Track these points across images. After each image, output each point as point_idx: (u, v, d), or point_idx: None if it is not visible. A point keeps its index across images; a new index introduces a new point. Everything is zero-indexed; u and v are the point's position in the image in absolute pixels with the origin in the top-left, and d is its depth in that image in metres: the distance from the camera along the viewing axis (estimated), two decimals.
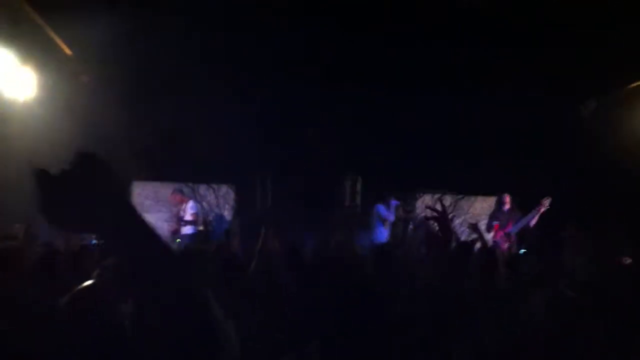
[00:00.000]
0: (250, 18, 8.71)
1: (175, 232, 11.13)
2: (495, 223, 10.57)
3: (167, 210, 11.93)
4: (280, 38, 9.13)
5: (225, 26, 8.92)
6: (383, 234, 10.73)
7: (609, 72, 9.69)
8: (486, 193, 12.58)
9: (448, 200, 13.05)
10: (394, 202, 10.83)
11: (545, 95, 10.44)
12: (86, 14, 8.33)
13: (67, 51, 10.26)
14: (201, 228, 11.15)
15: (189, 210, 11.26)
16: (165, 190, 12.15)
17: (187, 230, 11.18)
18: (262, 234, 4.80)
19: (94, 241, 10.07)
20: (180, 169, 11.61)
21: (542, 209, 10.01)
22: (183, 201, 11.43)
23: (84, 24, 8.60)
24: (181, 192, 11.54)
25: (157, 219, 11.67)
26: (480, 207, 12.85)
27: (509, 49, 8.94)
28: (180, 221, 11.25)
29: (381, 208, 10.78)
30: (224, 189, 12.65)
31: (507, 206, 10.51)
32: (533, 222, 10.06)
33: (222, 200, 12.63)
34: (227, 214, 12.63)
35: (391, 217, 10.74)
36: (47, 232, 6.73)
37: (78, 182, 1.38)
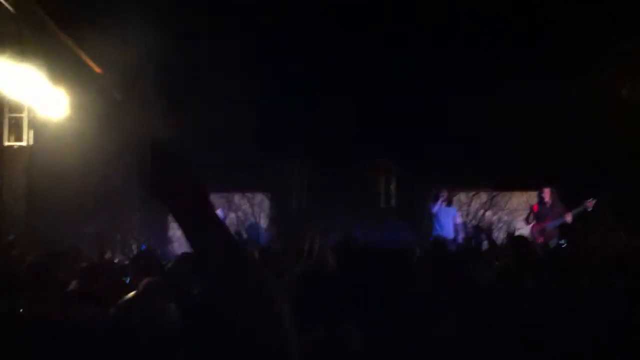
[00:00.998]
0: (286, 30, 8.80)
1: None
2: (534, 217, 10.49)
3: None
4: (310, 46, 9.22)
5: (257, 36, 9.01)
6: (434, 228, 10.71)
7: None
8: (524, 188, 12.41)
9: (484, 197, 12.94)
10: (441, 194, 10.78)
11: (580, 87, 10.29)
12: (114, 32, 8.47)
13: (98, 69, 10.43)
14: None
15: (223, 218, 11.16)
16: None
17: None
18: (310, 237, 4.78)
19: (144, 246, 10.34)
20: (214, 178, 11.64)
21: (583, 208, 9.88)
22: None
23: (112, 42, 8.74)
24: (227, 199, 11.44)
25: None
26: (517, 202, 12.67)
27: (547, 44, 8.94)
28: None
29: (429, 204, 10.81)
30: (259, 197, 12.67)
31: (547, 201, 10.37)
32: (569, 218, 9.91)
33: (257, 209, 12.66)
34: (263, 222, 12.65)
35: (435, 209, 10.69)
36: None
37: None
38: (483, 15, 8.65)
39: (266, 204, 12.76)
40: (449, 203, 11.09)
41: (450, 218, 10.88)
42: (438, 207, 10.67)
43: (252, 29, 8.94)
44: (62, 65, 9.42)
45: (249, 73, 9.76)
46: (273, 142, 11.50)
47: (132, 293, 2.88)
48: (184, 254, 6.42)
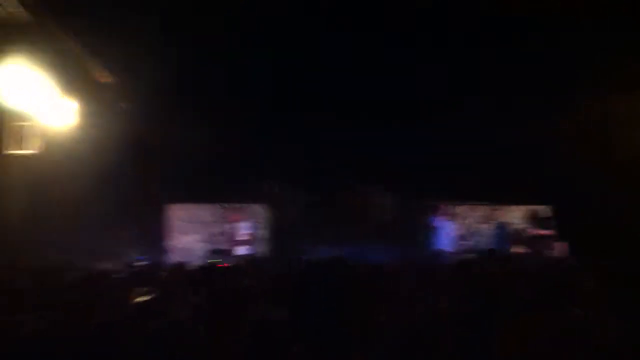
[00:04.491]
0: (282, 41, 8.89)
1: (229, 252, 11.16)
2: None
3: (204, 231, 12.04)
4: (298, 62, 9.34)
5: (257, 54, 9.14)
6: (439, 240, 10.83)
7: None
8: (521, 202, 12.52)
9: (482, 209, 13.01)
10: (441, 208, 10.89)
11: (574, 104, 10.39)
12: (125, 42, 8.59)
13: (106, 79, 10.57)
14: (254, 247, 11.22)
15: (244, 230, 11.17)
16: (201, 211, 12.28)
17: (242, 249, 11.07)
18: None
19: (142, 257, 10.43)
20: (213, 190, 11.73)
21: None
22: (238, 220, 11.34)
23: (123, 52, 8.88)
24: (239, 210, 11.50)
25: (194, 240, 11.82)
26: (514, 217, 12.75)
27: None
28: (234, 240, 11.16)
29: (432, 218, 10.91)
30: (256, 208, 12.72)
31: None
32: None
33: (254, 220, 12.71)
34: (260, 233, 12.68)
35: (437, 223, 10.80)
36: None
37: None
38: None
39: (263, 214, 12.81)
40: (449, 216, 11.18)
41: (450, 231, 10.97)
42: (438, 220, 10.75)
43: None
44: (70, 74, 9.55)
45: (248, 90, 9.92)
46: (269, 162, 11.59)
47: (141, 298, 3.05)
48: (180, 264, 6.60)
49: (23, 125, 9.58)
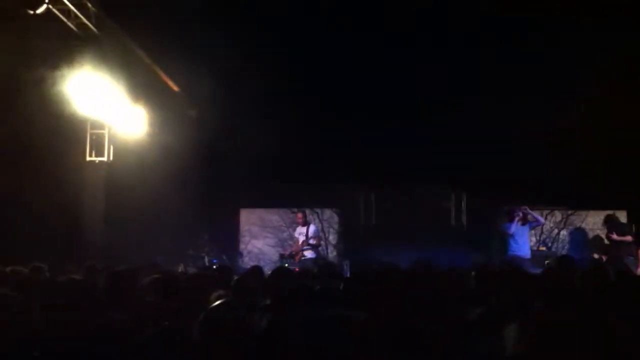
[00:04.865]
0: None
1: (297, 255, 11.08)
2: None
3: (274, 235, 12.17)
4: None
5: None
6: (511, 248, 10.55)
7: None
8: (600, 207, 12.06)
9: (559, 215, 12.62)
10: (516, 213, 10.58)
11: None
12: (191, 52, 8.76)
13: (175, 88, 10.79)
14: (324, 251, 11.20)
15: (312, 234, 11.04)
16: (271, 216, 12.41)
17: (309, 253, 10.96)
18: None
19: (215, 260, 10.67)
20: (285, 195, 11.80)
21: None
22: (305, 223, 11.23)
23: (189, 62, 9.04)
24: (304, 213, 11.40)
25: (264, 245, 11.95)
26: (593, 222, 12.30)
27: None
28: (304, 244, 11.01)
29: (505, 224, 10.63)
30: (327, 212, 12.75)
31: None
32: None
33: (326, 224, 12.73)
34: (332, 238, 12.70)
35: (512, 229, 10.50)
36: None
37: None
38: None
39: (335, 219, 12.82)
40: (525, 222, 10.83)
41: (527, 237, 10.67)
42: (514, 226, 10.45)
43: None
44: (141, 84, 9.79)
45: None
46: (341, 163, 11.57)
47: (216, 303, 3.04)
48: (254, 267, 6.62)
49: (99, 134, 9.88)
